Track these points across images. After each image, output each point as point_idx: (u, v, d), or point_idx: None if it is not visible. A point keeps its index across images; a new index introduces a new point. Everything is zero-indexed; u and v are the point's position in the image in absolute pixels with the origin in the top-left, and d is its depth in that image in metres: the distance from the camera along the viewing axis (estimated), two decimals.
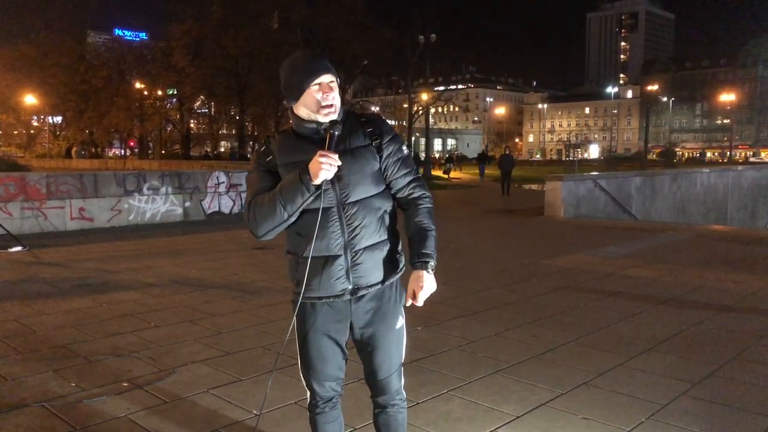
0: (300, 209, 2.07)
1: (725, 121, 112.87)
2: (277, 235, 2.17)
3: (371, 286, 2.18)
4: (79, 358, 4.25)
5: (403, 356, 2.35)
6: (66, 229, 11.10)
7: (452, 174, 37.46)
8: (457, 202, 19.31)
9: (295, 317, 2.21)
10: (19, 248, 8.84)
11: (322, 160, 1.98)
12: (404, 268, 2.29)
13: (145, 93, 56.88)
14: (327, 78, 2.10)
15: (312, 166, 2.00)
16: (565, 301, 5.99)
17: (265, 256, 8.46)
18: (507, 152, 23.37)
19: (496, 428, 3.26)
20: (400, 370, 2.34)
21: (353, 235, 2.11)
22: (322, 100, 2.08)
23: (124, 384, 3.78)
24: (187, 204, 12.81)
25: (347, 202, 2.10)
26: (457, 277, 6.94)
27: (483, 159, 34.06)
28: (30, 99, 52.76)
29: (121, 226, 11.75)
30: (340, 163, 2.03)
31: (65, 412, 3.36)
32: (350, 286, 2.15)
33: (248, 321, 5.22)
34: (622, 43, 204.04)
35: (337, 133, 2.06)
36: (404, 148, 2.27)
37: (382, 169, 2.19)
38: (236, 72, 46.83)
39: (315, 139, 2.11)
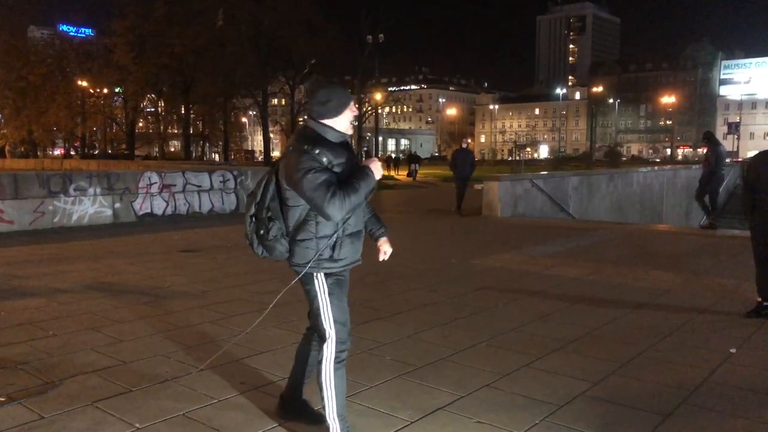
0: None
1: (668, 122, 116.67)
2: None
3: None
4: None
5: None
6: None
7: (393, 173, 38.96)
8: (396, 202, 19.29)
9: (327, 286, 2.90)
10: None
11: (379, 164, 2.85)
12: None
13: (89, 91, 55.11)
14: None
15: (374, 167, 2.80)
16: (484, 302, 5.98)
17: (189, 260, 8.21)
18: (465, 146, 15.14)
19: None
20: None
21: (364, 215, 3.03)
22: (353, 118, 2.93)
23: (0, 399, 3.55)
24: (117, 205, 12.35)
25: None
26: (381, 279, 6.85)
27: (413, 160, 37.76)
28: None
29: (45, 228, 11.23)
30: None
31: None
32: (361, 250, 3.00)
33: (155, 327, 5.02)
34: (571, 46, 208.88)
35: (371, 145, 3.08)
36: None
37: None
38: (181, 70, 45.84)
39: (346, 145, 2.87)
